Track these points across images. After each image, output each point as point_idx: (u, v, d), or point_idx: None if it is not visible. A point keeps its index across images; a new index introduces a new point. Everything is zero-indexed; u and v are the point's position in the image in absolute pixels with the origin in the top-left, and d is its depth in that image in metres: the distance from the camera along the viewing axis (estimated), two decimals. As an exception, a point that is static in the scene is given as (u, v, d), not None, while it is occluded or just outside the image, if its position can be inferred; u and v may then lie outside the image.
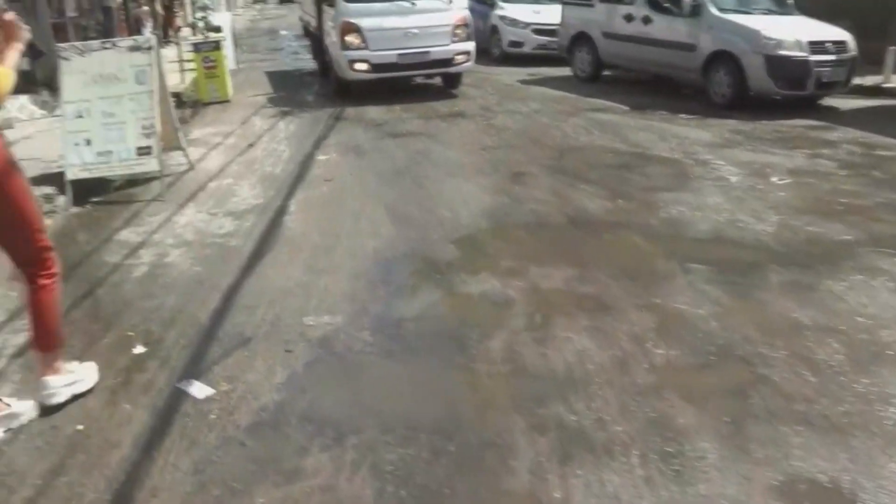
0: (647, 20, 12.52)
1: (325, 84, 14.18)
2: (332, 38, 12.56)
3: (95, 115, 7.31)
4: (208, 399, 3.79)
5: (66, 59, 7.42)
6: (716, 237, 5.92)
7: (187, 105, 12.70)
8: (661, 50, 12.19)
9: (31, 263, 3.67)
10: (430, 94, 12.86)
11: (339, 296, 4.92)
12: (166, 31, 23.09)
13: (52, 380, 3.78)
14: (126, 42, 7.50)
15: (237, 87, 14.04)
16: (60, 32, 12.52)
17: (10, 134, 10.35)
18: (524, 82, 14.14)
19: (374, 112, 11.34)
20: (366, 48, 11.96)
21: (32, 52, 3.74)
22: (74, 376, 3.88)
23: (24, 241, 3.63)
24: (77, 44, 7.53)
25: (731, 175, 7.60)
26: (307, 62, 18.21)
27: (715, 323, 4.45)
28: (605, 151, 8.69)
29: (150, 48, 7.41)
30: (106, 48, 7.42)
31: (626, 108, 11.33)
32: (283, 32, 31.74)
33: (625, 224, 6.24)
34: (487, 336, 4.34)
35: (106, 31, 13.62)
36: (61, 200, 7.24)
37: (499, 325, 4.49)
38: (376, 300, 4.86)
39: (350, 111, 11.47)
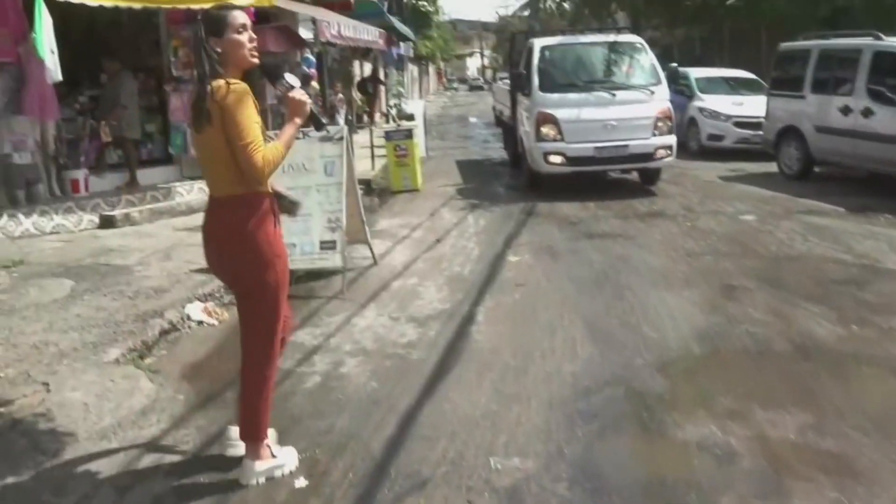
0: (867, 112, 11.32)
1: (516, 175, 13.80)
2: (526, 129, 12.14)
3: (286, 205, 7.08)
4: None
5: (259, 149, 7.26)
6: None
7: (376, 193, 12.59)
8: (886, 146, 10.95)
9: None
10: (626, 191, 12.19)
11: (532, 432, 4.26)
12: (371, 116, 23.63)
13: (255, 464, 3.77)
14: (318, 134, 7.28)
15: (427, 175, 13.90)
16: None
17: (202, 218, 10.49)
18: (726, 179, 13.21)
19: (567, 208, 10.76)
20: (561, 140, 11.44)
21: (315, 123, 3.83)
22: (276, 461, 3.82)
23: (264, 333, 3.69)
24: (269, 133, 7.37)
25: None
26: (497, 151, 18.01)
27: None
28: (827, 262, 7.69)
29: (341, 139, 7.17)
30: (297, 137, 7.20)
31: (843, 210, 10.22)
32: (473, 120, 32.09)
33: (865, 357, 5.28)
34: (709, 502, 3.57)
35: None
36: (243, 293, 7.03)
37: (722, 487, 3.68)
38: (574, 441, 4.16)
39: (543, 207, 10.94)
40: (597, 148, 11.42)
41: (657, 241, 8.76)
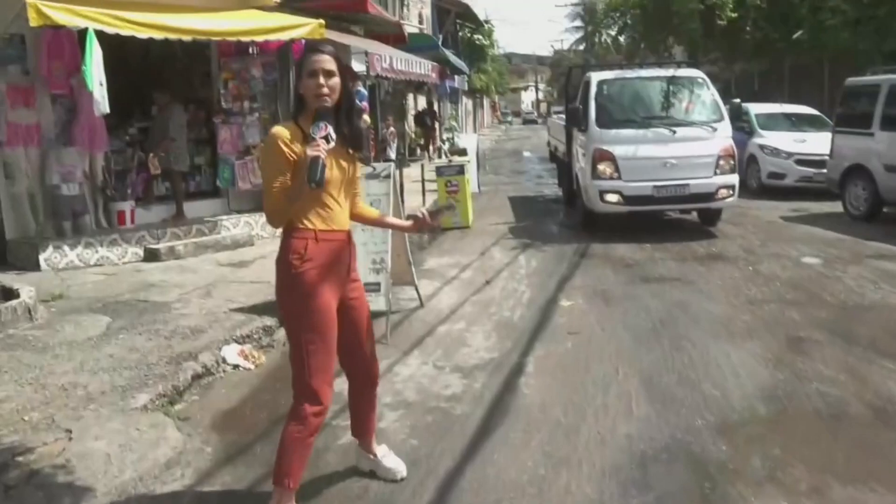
0: (941, 151, 10.77)
1: (570, 214, 13.46)
2: (581, 166, 11.70)
3: (326, 245, 6.83)
4: None
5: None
6: None
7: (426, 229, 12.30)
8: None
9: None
10: (684, 231, 11.74)
11: (583, 503, 3.89)
12: (428, 148, 23.49)
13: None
14: (364, 169, 7.01)
15: (478, 211, 13.61)
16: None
17: (247, 252, 10.52)
18: (787, 219, 12.69)
19: (623, 249, 10.35)
20: (619, 178, 10.97)
21: (308, 174, 3.40)
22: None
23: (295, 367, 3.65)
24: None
25: None
26: (551, 188, 17.68)
27: None
28: (904, 314, 7.20)
29: (388, 176, 6.90)
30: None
31: (917, 255, 9.67)
32: (527, 154, 31.84)
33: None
34: None
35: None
36: (281, 333, 6.76)
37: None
38: (631, 517, 3.79)
39: (597, 247, 10.55)
40: (655, 187, 10.92)
41: (717, 286, 8.32)
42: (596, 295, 8.01)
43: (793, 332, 6.62)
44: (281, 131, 3.46)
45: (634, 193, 10.95)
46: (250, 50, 11.43)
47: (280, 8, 11.43)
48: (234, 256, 9.96)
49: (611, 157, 11.00)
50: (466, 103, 50.97)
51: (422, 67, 13.88)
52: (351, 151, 3.66)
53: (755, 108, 16.90)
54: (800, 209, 13.59)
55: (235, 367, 6.03)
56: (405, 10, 30.59)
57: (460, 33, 44.58)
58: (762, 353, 6.13)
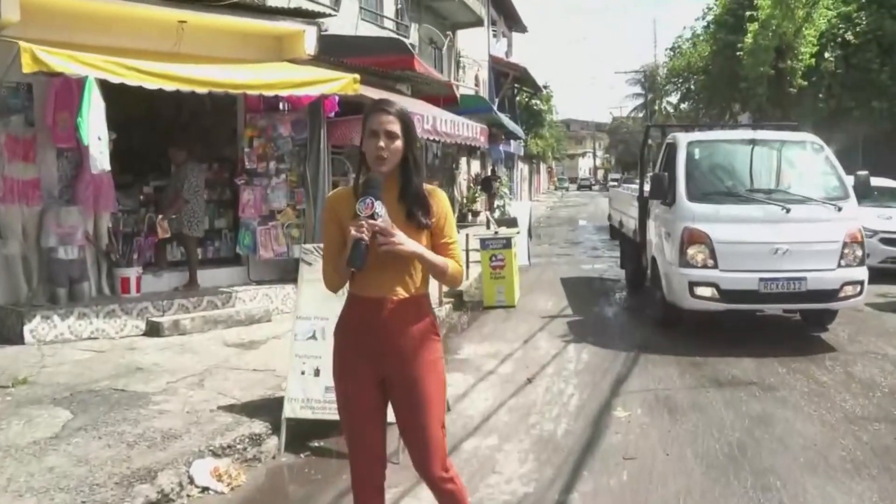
0: None
1: (634, 299, 12.00)
2: (662, 249, 9.51)
3: (331, 337, 5.64)
4: None
5: (308, 262, 5.90)
6: None
7: (467, 307, 11.14)
8: None
9: None
10: (759, 319, 10.27)
11: None
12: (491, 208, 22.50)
13: None
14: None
15: (527, 287, 12.39)
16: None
17: (261, 330, 9.44)
18: (876, 306, 11.11)
19: (687, 342, 8.93)
20: (714, 267, 8.65)
21: (350, 258, 3.15)
22: None
23: None
24: (321, 245, 6.00)
25: None
26: (608, 262, 16.36)
27: None
28: None
29: None
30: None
31: None
32: (582, 223, 30.60)
33: None
34: None
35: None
36: (271, 444, 5.58)
37: None
38: None
39: (658, 339, 9.15)
40: (763, 280, 8.54)
41: (804, 394, 6.91)
42: (658, 403, 6.63)
43: (914, 469, 5.21)
44: (333, 195, 3.46)
45: (734, 287, 8.62)
46: (280, 106, 10.48)
47: (315, 62, 10.49)
48: (246, 334, 8.83)
49: (705, 240, 8.69)
50: (522, 168, 50.04)
51: (469, 130, 12.77)
52: (409, 219, 3.22)
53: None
54: (888, 294, 12.03)
55: (204, 489, 4.82)
56: (461, 72, 29.87)
57: (518, 97, 43.87)
58: (876, 496, 4.74)
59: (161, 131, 11.04)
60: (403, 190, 3.23)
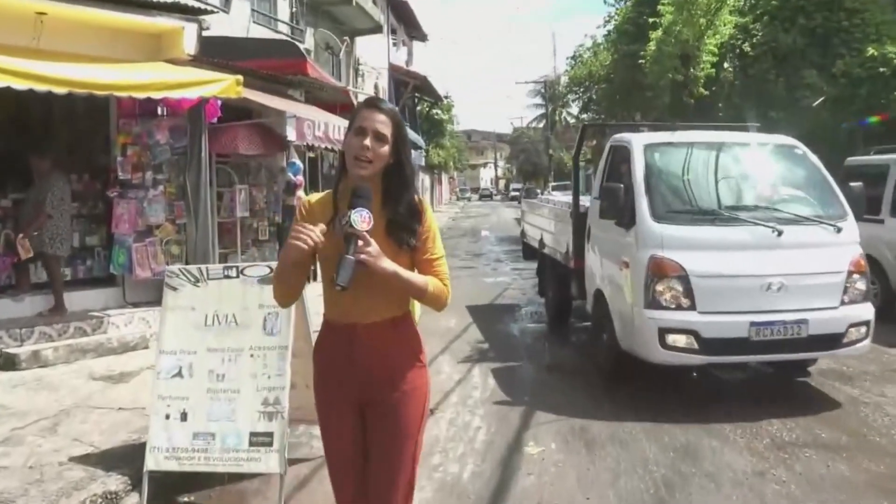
0: None
1: (556, 336, 10.11)
2: (615, 281, 7.44)
3: (199, 375, 4.85)
4: None
5: (173, 287, 5.08)
6: None
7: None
8: None
9: None
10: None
11: None
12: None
13: None
14: (257, 270, 5.06)
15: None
16: (227, 234, 10.66)
17: (135, 359, 8.46)
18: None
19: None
20: (691, 308, 6.60)
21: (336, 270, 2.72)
22: None
23: None
24: (191, 268, 5.18)
25: None
26: (512, 276, 15.81)
27: None
28: None
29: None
30: (229, 276, 5.03)
31: None
32: (485, 233, 30.17)
33: None
34: None
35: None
36: (130, 503, 4.76)
37: None
38: None
39: (569, 357, 8.58)
40: (754, 325, 6.52)
41: (728, 417, 6.39)
42: (574, 436, 6.01)
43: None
44: (313, 200, 3.09)
45: (718, 335, 6.57)
46: (159, 111, 9.55)
47: (196, 64, 9.61)
48: (117, 364, 7.91)
49: (679, 272, 6.63)
50: (423, 179, 49.44)
51: (366, 137, 12.04)
52: (389, 234, 2.91)
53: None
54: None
55: (39, 570, 3.99)
56: (360, 80, 29.08)
57: (418, 107, 43.30)
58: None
59: (25, 137, 9.96)
60: (385, 201, 2.93)
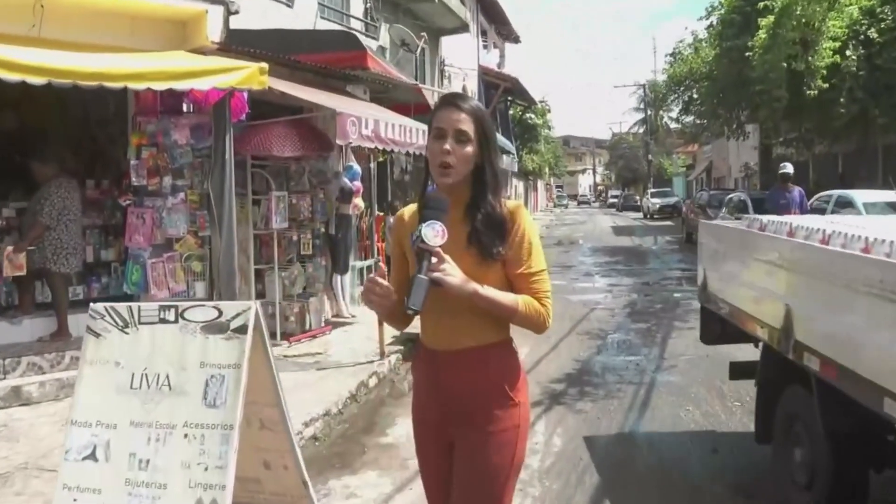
0: None
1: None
2: None
3: (118, 459, 3.42)
4: None
5: (95, 333, 3.69)
6: None
7: (404, 360, 8.93)
8: None
9: None
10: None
11: None
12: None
13: None
14: (202, 312, 3.61)
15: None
16: (265, 248, 9.34)
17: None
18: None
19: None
20: None
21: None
22: None
23: None
24: (120, 307, 3.78)
25: None
26: (601, 292, 14.09)
27: None
28: None
29: (242, 329, 3.47)
30: (165, 320, 3.60)
31: None
32: (580, 241, 28.55)
33: None
34: None
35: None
36: None
37: None
38: None
39: (640, 458, 6.92)
40: None
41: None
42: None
43: None
44: (399, 214, 2.89)
45: None
46: (184, 108, 8.33)
47: (223, 54, 8.35)
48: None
49: None
50: (517, 185, 47.84)
51: (425, 138, 10.48)
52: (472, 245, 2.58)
53: (863, 197, 13.07)
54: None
55: None
56: (446, 81, 27.74)
57: (510, 111, 41.72)
58: None
59: (36, 141, 8.90)
60: (470, 209, 2.63)
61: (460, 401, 2.64)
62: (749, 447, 5.26)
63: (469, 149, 2.59)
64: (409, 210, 2.83)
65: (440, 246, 2.44)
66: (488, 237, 2.59)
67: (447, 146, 2.56)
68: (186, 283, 8.21)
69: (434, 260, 2.43)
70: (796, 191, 12.37)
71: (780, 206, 11.70)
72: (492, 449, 2.61)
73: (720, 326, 5.82)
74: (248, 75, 7.26)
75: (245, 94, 7.88)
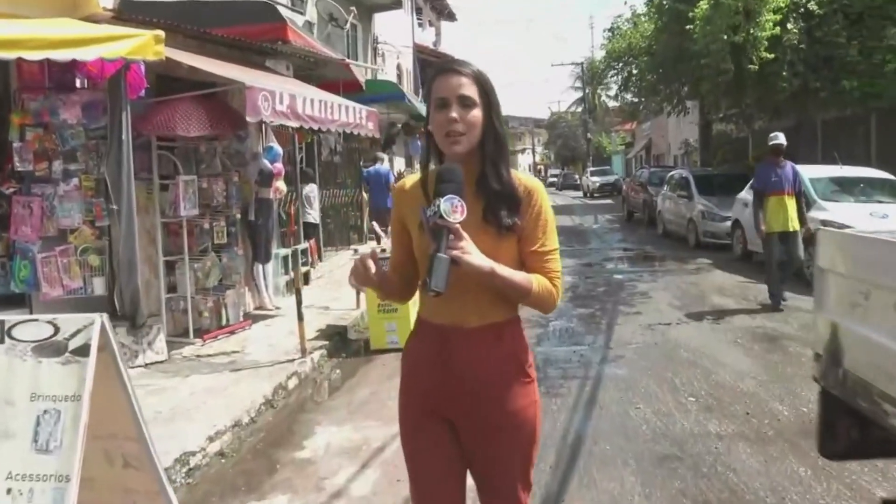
0: None
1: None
2: None
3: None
4: None
5: None
6: None
7: (349, 352, 8.29)
8: None
9: None
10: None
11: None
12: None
13: None
14: (35, 329, 2.85)
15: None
16: (174, 237, 8.51)
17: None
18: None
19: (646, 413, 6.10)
20: None
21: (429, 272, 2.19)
22: None
23: None
24: None
25: None
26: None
27: None
28: None
29: (84, 350, 2.72)
30: (-11, 341, 2.84)
31: None
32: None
33: None
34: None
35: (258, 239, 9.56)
36: None
37: None
38: None
39: (604, 421, 6.33)
40: None
41: None
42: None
43: None
44: (398, 187, 2.75)
45: None
46: (77, 83, 7.47)
47: (117, 22, 7.49)
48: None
49: None
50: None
51: (351, 114, 9.59)
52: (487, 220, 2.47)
53: (810, 172, 12.60)
54: None
55: None
56: (380, 59, 26.85)
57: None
58: None
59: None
60: (481, 181, 2.49)
61: (474, 380, 2.51)
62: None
63: (476, 112, 2.47)
64: (410, 180, 2.68)
65: (459, 223, 2.29)
66: (504, 210, 2.48)
67: (453, 114, 2.43)
68: (83, 279, 7.39)
69: (452, 237, 2.29)
70: (789, 166, 10.41)
71: (772, 183, 10.15)
72: (517, 423, 2.53)
73: (859, 432, 3.59)
74: (140, 44, 6.45)
75: (141, 67, 7.04)
